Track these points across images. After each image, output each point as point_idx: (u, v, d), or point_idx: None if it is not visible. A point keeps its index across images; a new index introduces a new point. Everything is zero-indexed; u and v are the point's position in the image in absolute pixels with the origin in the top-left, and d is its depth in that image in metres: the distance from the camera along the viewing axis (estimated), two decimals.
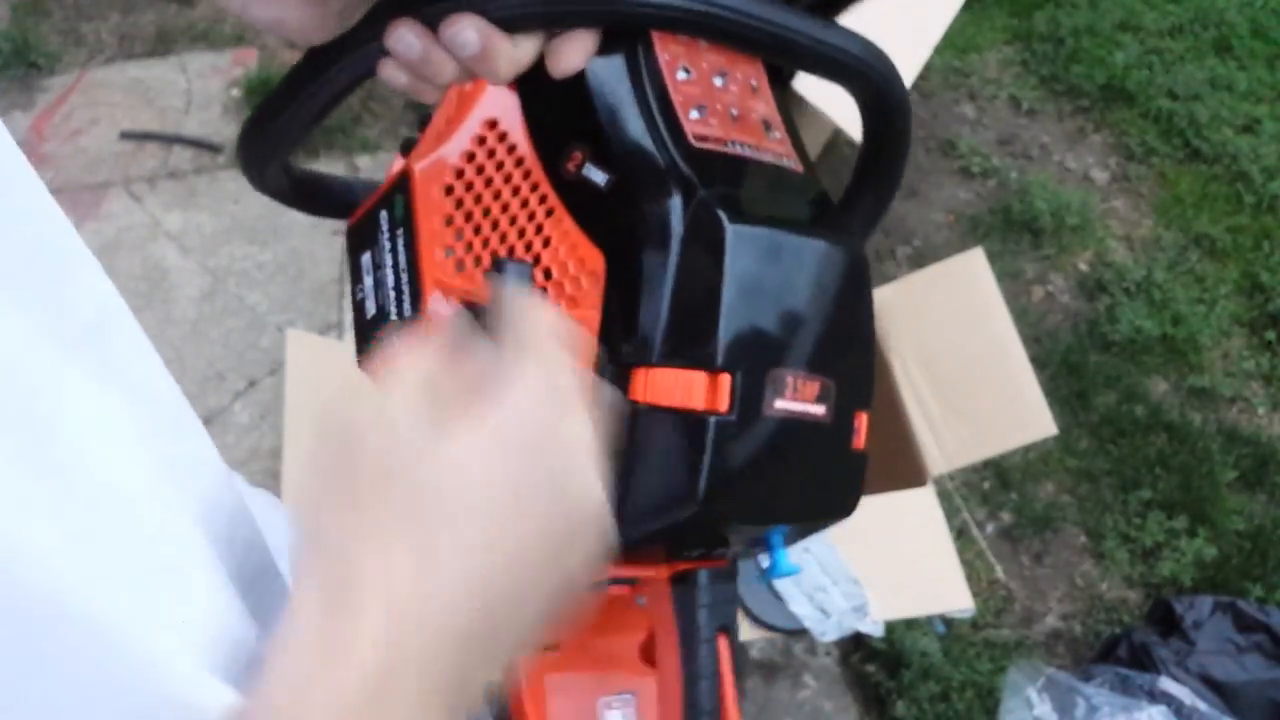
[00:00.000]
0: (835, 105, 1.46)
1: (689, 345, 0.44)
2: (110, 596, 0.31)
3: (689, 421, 0.43)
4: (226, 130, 2.16)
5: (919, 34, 1.62)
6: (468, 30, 0.41)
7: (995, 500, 1.75)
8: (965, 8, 1.72)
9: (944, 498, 1.31)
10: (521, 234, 0.49)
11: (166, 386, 0.42)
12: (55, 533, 0.30)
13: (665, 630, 0.51)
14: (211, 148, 2.13)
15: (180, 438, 0.42)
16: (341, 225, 0.61)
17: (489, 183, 0.51)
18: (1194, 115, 2.21)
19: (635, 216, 0.45)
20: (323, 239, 1.97)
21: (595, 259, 0.47)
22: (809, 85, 1.36)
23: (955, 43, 2.30)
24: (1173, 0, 2.41)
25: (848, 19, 0.49)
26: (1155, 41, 2.34)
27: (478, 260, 0.51)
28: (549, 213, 0.49)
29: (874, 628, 1.17)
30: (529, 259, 0.48)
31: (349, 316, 2.05)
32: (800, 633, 1.17)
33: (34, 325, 0.32)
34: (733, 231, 0.43)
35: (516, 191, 0.50)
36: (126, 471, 0.35)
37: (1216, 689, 1.40)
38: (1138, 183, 2.16)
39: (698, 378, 0.43)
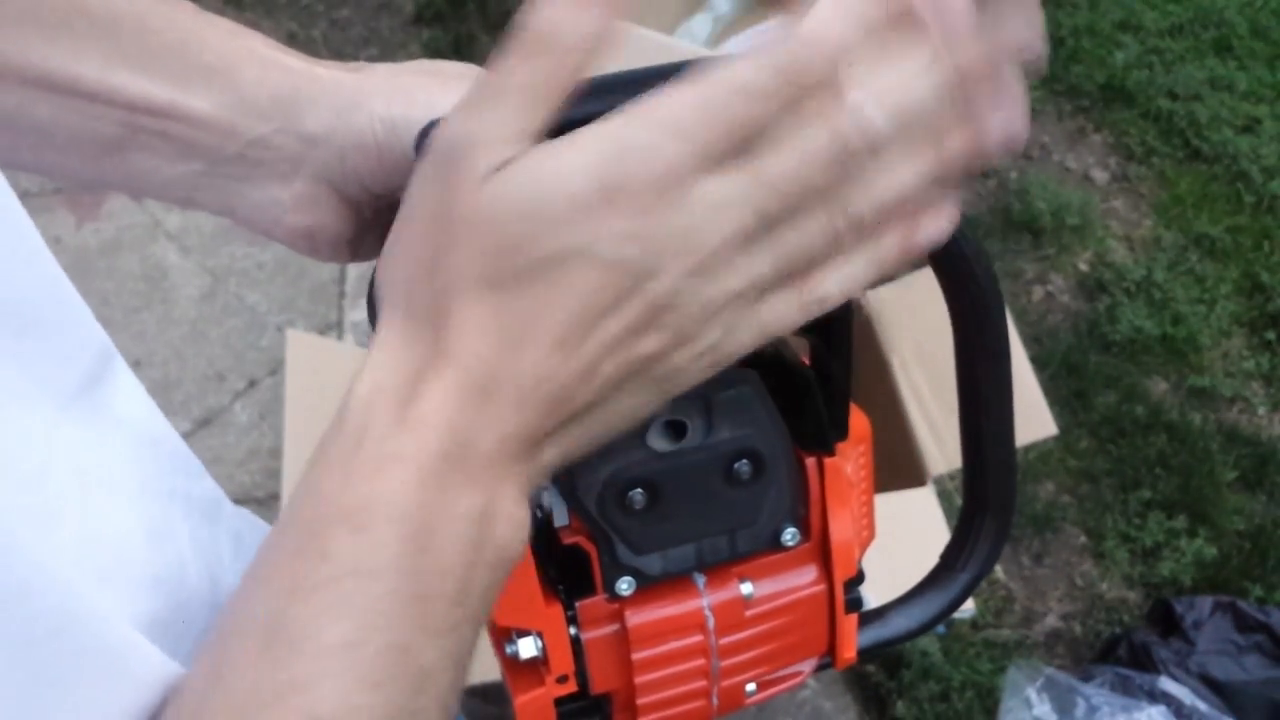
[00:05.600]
0: None
1: None
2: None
3: None
4: None
5: None
6: None
7: None
8: None
9: (944, 498, 1.31)
10: None
11: (164, 429, 0.42)
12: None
13: None
14: None
15: (190, 478, 0.42)
16: None
17: None
18: (1194, 115, 2.21)
19: None
20: None
21: None
22: None
23: None
24: (1173, 0, 2.41)
25: None
26: (1155, 41, 2.34)
27: None
28: None
29: None
30: None
31: (349, 316, 2.04)
32: None
33: (28, 378, 0.33)
34: None
35: None
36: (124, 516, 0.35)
37: (1216, 689, 1.40)
38: (1138, 183, 2.16)
39: None
